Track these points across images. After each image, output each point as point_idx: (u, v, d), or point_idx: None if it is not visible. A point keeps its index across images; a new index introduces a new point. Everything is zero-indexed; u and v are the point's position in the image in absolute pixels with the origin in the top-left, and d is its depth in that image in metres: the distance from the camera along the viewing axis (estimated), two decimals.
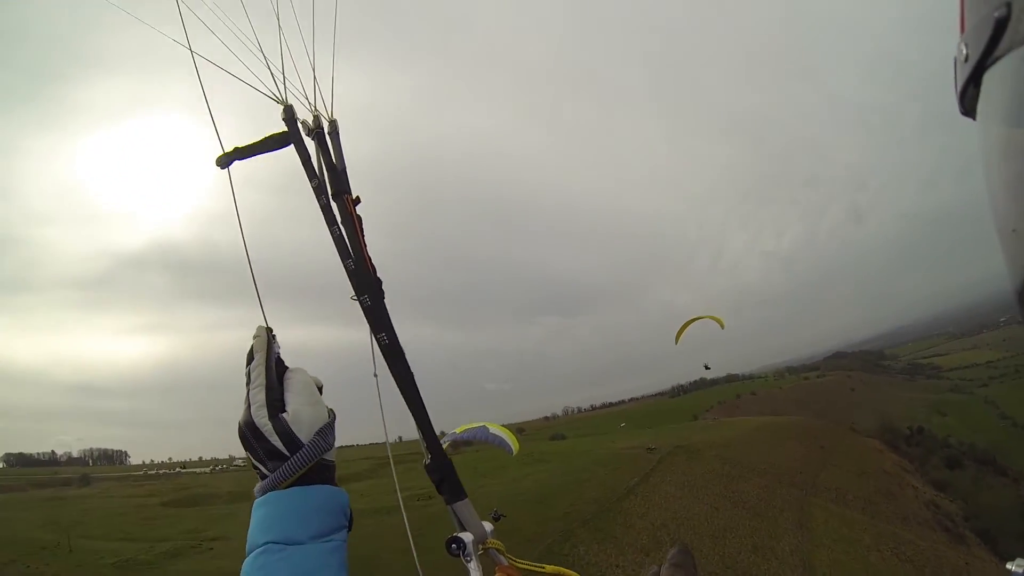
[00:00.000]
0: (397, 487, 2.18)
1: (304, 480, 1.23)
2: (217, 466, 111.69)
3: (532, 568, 1.65)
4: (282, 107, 1.74)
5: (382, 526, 29.02)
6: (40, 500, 58.30)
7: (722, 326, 38.81)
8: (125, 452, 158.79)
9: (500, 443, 16.16)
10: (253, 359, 1.30)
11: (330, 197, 1.71)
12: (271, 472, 1.22)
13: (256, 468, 1.25)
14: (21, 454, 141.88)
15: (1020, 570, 0.95)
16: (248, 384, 1.28)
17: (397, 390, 1.67)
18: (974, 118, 0.66)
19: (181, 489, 63.20)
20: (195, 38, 1.68)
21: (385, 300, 1.67)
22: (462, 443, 19.22)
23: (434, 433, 1.67)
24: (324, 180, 1.72)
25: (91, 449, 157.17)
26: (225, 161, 1.71)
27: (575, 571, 1.57)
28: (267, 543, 1.14)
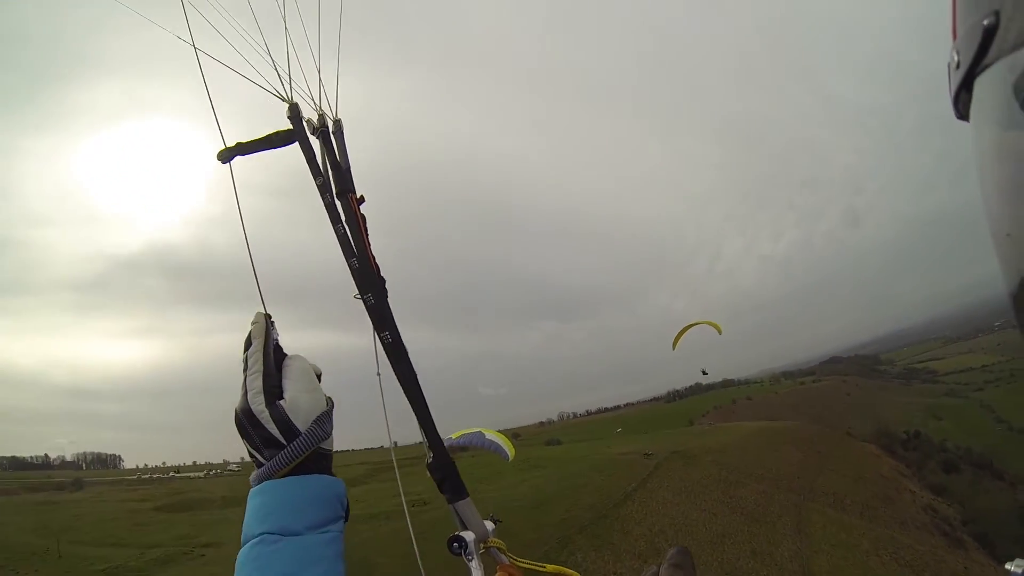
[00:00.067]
0: (400, 488, 2.19)
1: (301, 469, 1.21)
2: (211, 470, 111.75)
3: (533, 567, 1.65)
4: (287, 105, 1.74)
5: (379, 531, 28.88)
6: (32, 504, 57.88)
7: (719, 332, 38.78)
8: (119, 456, 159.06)
9: (496, 449, 15.99)
10: (251, 345, 1.29)
11: (334, 196, 1.71)
12: (267, 460, 1.20)
13: (252, 456, 1.24)
14: (15, 457, 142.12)
15: (1019, 570, 0.99)
16: (245, 371, 1.26)
17: (394, 392, 1.70)
18: (968, 121, 0.67)
19: (174, 494, 62.76)
20: (200, 37, 1.67)
21: (388, 299, 1.68)
22: (458, 449, 19.13)
23: (436, 432, 1.67)
24: (329, 178, 1.73)
25: (85, 453, 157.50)
26: (227, 156, 1.69)
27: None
28: (263, 533, 1.12)
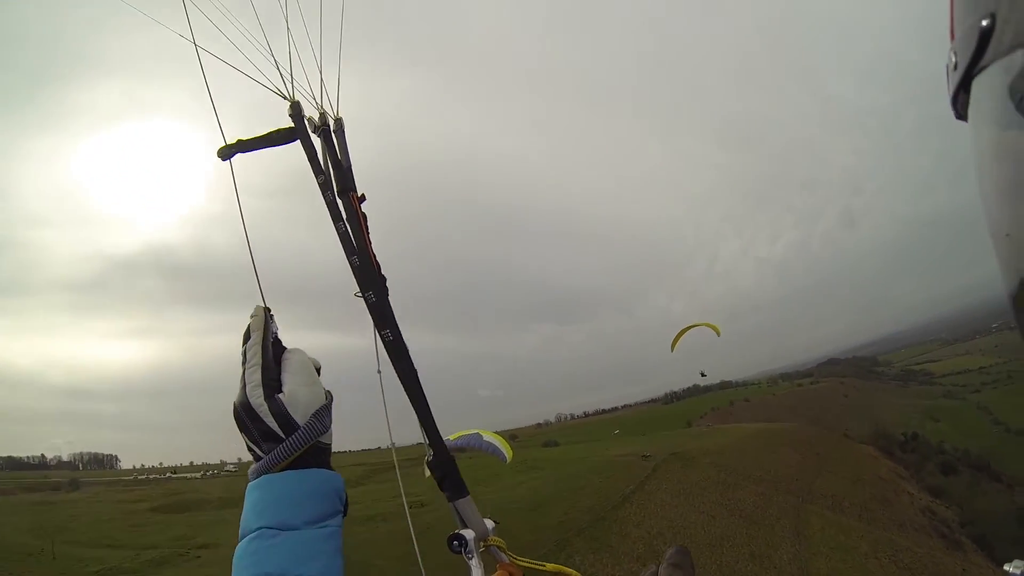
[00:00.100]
0: (401, 489, 2.12)
1: (299, 463, 1.21)
2: (208, 471, 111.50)
3: (533, 566, 1.65)
4: (289, 103, 1.74)
5: (375, 533, 28.74)
6: (28, 504, 57.54)
7: (718, 333, 38.75)
8: (116, 456, 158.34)
9: (494, 451, 15.80)
10: (249, 338, 1.29)
11: (335, 194, 1.72)
12: (266, 454, 1.20)
13: (251, 450, 1.24)
14: (11, 457, 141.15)
15: (1018, 571, 1.00)
16: (244, 364, 1.26)
17: (392, 392, 1.71)
18: (967, 122, 0.68)
19: (171, 494, 62.47)
20: (201, 36, 1.67)
21: (388, 297, 1.69)
22: (455, 450, 18.91)
23: (437, 430, 1.68)
24: (330, 177, 1.73)
25: (81, 453, 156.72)
26: (227, 153, 1.69)
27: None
28: (260, 528, 1.12)
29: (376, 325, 1.67)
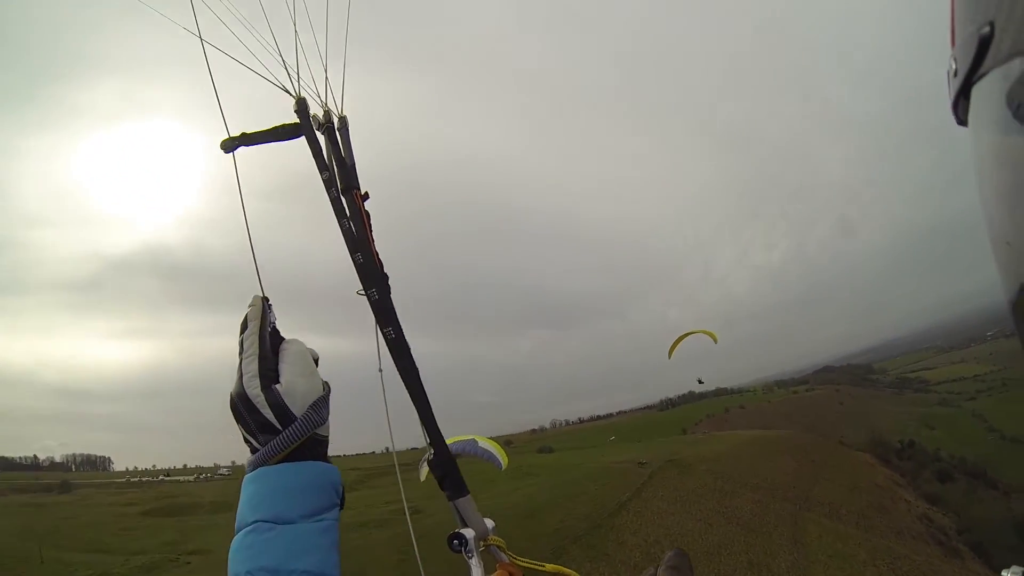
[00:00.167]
0: (402, 489, 2.07)
1: (296, 455, 1.20)
2: (201, 474, 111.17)
3: (533, 566, 1.67)
4: (294, 100, 1.75)
5: (370, 540, 28.39)
6: (18, 506, 57.10)
7: (715, 340, 38.66)
8: (109, 458, 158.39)
9: (489, 457, 15.50)
10: (247, 328, 1.28)
11: (340, 191, 1.72)
12: (262, 446, 1.19)
13: (247, 441, 1.24)
14: (3, 458, 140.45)
15: None
16: (241, 353, 1.25)
17: (388, 396, 1.75)
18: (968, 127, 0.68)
19: (163, 498, 61.86)
20: (207, 32, 1.68)
21: (391, 295, 1.69)
22: None
23: (438, 429, 1.67)
24: (334, 174, 1.73)
25: (74, 454, 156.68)
26: (230, 145, 1.70)
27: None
28: (256, 521, 1.12)
29: (379, 323, 1.66)
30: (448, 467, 1.66)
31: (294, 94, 1.76)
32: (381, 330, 1.66)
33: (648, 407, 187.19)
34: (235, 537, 1.12)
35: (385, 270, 1.71)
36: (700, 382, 57.10)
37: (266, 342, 1.26)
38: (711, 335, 39.24)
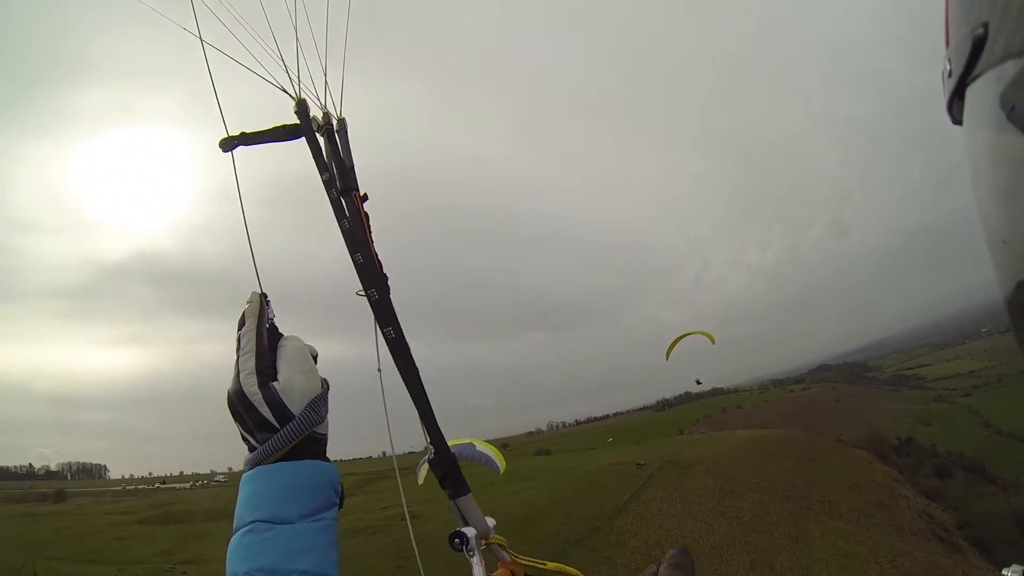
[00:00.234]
0: (402, 494, 2.08)
1: (294, 454, 1.19)
2: (197, 481, 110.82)
3: (534, 564, 1.67)
4: (295, 101, 1.76)
5: (365, 547, 28.15)
6: (13, 516, 56.25)
7: (713, 341, 38.62)
8: (104, 466, 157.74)
9: (487, 461, 15.45)
10: (244, 325, 1.26)
11: (339, 192, 1.72)
12: (260, 444, 1.18)
13: (245, 440, 1.23)
14: None
15: None
16: (238, 350, 1.24)
17: (386, 406, 1.77)
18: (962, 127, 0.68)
19: (159, 506, 61.36)
20: (206, 34, 1.69)
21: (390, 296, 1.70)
22: None
23: (438, 428, 1.66)
24: (334, 175, 1.72)
25: (70, 463, 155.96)
26: (229, 145, 1.69)
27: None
28: (254, 521, 1.11)
29: (379, 323, 1.66)
30: (449, 466, 1.65)
31: (294, 96, 1.76)
32: (381, 330, 1.66)
33: (645, 408, 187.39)
34: (233, 537, 1.11)
35: (384, 271, 1.71)
36: (698, 383, 56.90)
37: (264, 339, 1.25)
38: (708, 336, 39.21)
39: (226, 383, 1.21)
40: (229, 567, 1.08)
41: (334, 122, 1.81)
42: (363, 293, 1.64)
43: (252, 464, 1.18)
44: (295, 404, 1.18)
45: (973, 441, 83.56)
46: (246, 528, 1.10)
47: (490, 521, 1.67)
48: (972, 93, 0.62)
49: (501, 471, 16.10)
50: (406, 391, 1.66)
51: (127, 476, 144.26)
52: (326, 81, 1.85)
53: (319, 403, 1.22)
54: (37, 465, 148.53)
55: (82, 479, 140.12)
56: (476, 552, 1.56)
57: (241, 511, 1.14)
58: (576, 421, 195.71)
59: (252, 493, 1.14)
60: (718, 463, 45.42)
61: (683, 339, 37.85)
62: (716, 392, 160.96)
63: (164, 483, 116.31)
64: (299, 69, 1.80)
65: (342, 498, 1.25)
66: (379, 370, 1.73)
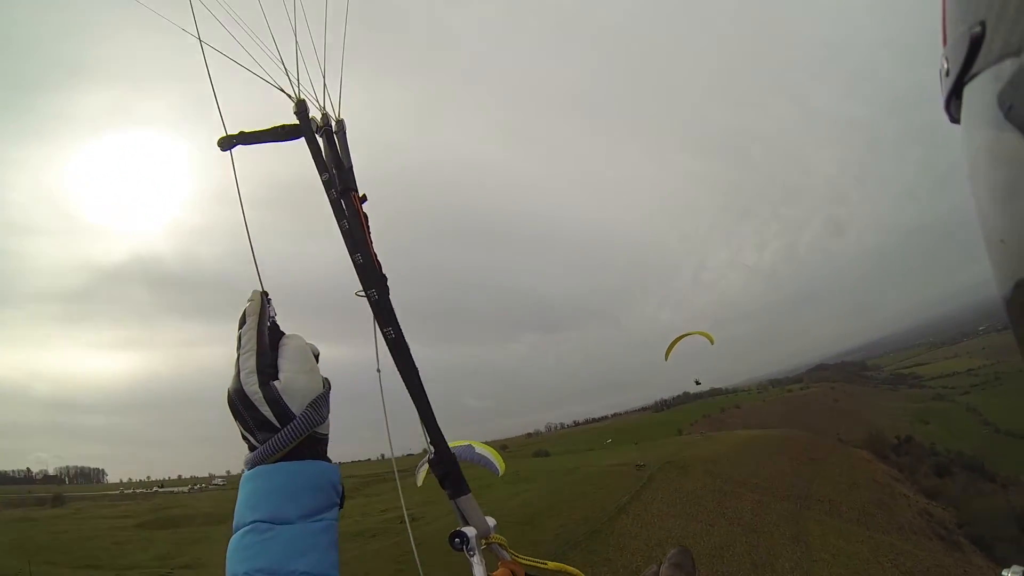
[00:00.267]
0: (401, 496, 2.10)
1: (295, 454, 1.19)
2: (196, 485, 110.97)
3: (535, 564, 1.69)
4: (294, 102, 1.76)
5: (365, 551, 28.07)
6: (11, 521, 56.20)
7: (712, 342, 38.60)
8: (102, 470, 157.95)
9: (487, 463, 15.38)
10: (245, 323, 1.25)
11: (339, 193, 1.73)
12: (260, 444, 1.18)
13: (245, 439, 1.22)
14: None
15: None
16: (238, 349, 1.23)
17: (385, 408, 1.76)
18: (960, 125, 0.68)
19: (157, 510, 61.58)
20: (205, 35, 1.68)
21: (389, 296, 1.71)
22: None
23: (438, 428, 1.66)
24: (333, 176, 1.73)
25: (68, 467, 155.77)
26: (227, 144, 1.69)
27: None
28: (254, 521, 1.11)
29: (379, 323, 1.66)
30: (449, 465, 1.65)
31: (293, 96, 1.76)
32: (381, 330, 1.65)
33: (643, 409, 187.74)
34: (233, 537, 1.10)
35: (383, 271, 1.72)
36: (697, 383, 56.85)
37: (265, 337, 1.23)
38: (708, 336, 39.22)
39: (225, 386, 1.20)
40: (229, 567, 1.08)
41: (332, 123, 1.81)
42: (363, 293, 1.64)
43: (252, 463, 1.18)
44: (296, 403, 1.17)
45: (972, 439, 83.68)
46: (246, 528, 1.10)
47: (490, 521, 1.67)
48: (970, 92, 0.62)
49: (500, 473, 16.02)
50: (403, 392, 1.66)
51: (125, 480, 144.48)
52: (324, 83, 1.85)
53: (320, 403, 1.22)
54: (35, 469, 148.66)
55: (80, 483, 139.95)
56: (476, 552, 1.55)
57: (241, 511, 1.13)
58: (574, 422, 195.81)
59: (252, 493, 1.14)
60: (717, 464, 45.42)
61: (682, 340, 37.82)
62: (714, 392, 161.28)
63: (162, 487, 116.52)
64: (298, 71, 1.80)
65: (343, 498, 1.24)
66: (378, 370, 1.72)
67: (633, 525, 30.11)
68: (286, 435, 1.15)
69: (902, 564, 28.99)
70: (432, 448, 1.65)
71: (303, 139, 1.72)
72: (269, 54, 1.77)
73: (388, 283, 1.69)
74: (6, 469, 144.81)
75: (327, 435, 1.27)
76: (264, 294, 1.31)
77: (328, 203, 1.68)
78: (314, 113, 1.78)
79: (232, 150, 1.69)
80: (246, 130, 1.71)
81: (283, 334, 1.30)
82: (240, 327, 1.24)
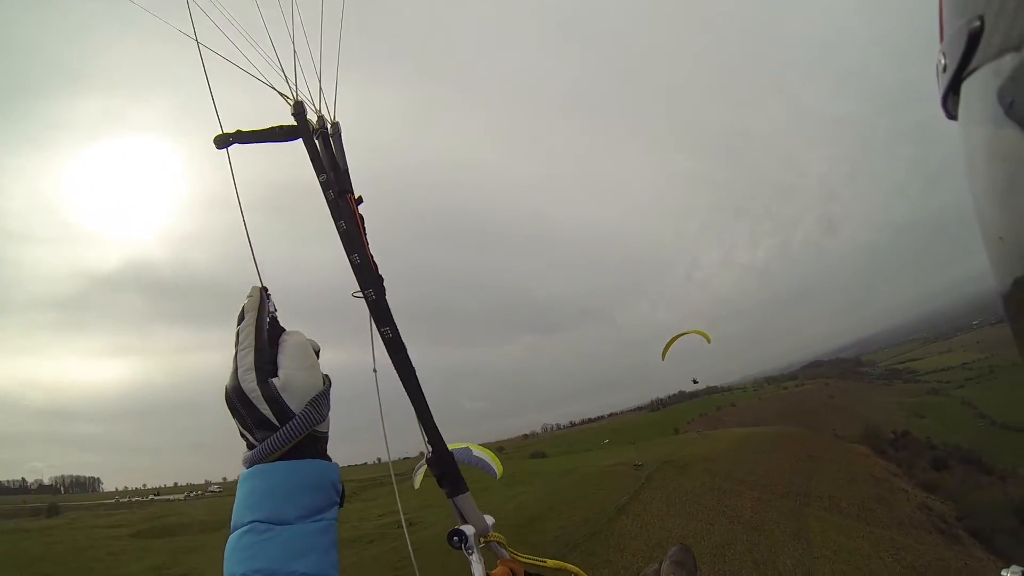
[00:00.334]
0: (398, 500, 2.16)
1: (294, 452, 1.16)
2: (192, 492, 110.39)
3: (534, 562, 1.71)
4: (291, 104, 1.78)
5: (362, 556, 27.84)
6: (5, 532, 55.40)
7: (708, 341, 38.57)
8: (98, 479, 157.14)
9: (484, 466, 15.21)
10: (243, 319, 1.23)
11: (336, 194, 1.74)
12: (258, 442, 1.16)
13: (243, 436, 1.20)
14: None
15: None
16: (236, 346, 1.20)
17: (381, 409, 1.78)
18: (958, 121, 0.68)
19: (152, 518, 60.79)
20: (203, 37, 1.71)
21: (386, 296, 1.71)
22: None
23: (436, 427, 1.66)
24: (331, 177, 1.74)
25: (63, 476, 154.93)
26: (224, 141, 1.68)
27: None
28: (253, 521, 1.09)
29: (376, 322, 1.66)
30: (447, 464, 1.65)
31: (290, 98, 1.77)
32: (378, 329, 1.65)
33: (639, 408, 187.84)
34: (231, 537, 1.09)
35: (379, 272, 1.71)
36: (695, 382, 56.75)
37: (263, 333, 1.20)
38: (704, 335, 39.19)
39: (219, 392, 1.18)
40: (227, 568, 1.06)
41: (328, 126, 1.81)
42: (360, 294, 1.64)
43: (251, 462, 1.15)
44: (295, 401, 1.15)
45: (968, 433, 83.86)
46: (244, 528, 1.07)
47: (488, 519, 1.68)
48: (968, 88, 0.61)
49: (498, 476, 15.92)
50: (400, 394, 1.66)
51: (121, 488, 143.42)
52: (320, 85, 1.87)
53: (320, 401, 1.19)
54: (30, 479, 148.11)
55: (75, 492, 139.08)
56: (475, 550, 1.56)
57: (239, 510, 1.11)
58: (571, 423, 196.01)
59: (250, 492, 1.11)
60: (715, 462, 45.27)
61: (679, 339, 37.77)
62: (710, 391, 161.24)
63: (158, 495, 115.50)
64: (295, 73, 1.81)
65: (343, 497, 1.22)
66: (375, 371, 1.73)
67: (633, 525, 29.97)
68: (285, 434, 1.13)
69: (903, 559, 28.90)
70: (430, 448, 1.65)
71: (299, 141, 1.72)
72: (266, 57, 1.79)
73: (384, 284, 1.69)
74: (1, 480, 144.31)
75: (327, 433, 1.25)
76: (263, 289, 1.28)
77: (324, 205, 1.68)
78: (310, 115, 1.79)
79: (228, 149, 1.68)
80: (244, 129, 1.70)
81: (283, 330, 1.28)
82: (239, 323, 1.21)
